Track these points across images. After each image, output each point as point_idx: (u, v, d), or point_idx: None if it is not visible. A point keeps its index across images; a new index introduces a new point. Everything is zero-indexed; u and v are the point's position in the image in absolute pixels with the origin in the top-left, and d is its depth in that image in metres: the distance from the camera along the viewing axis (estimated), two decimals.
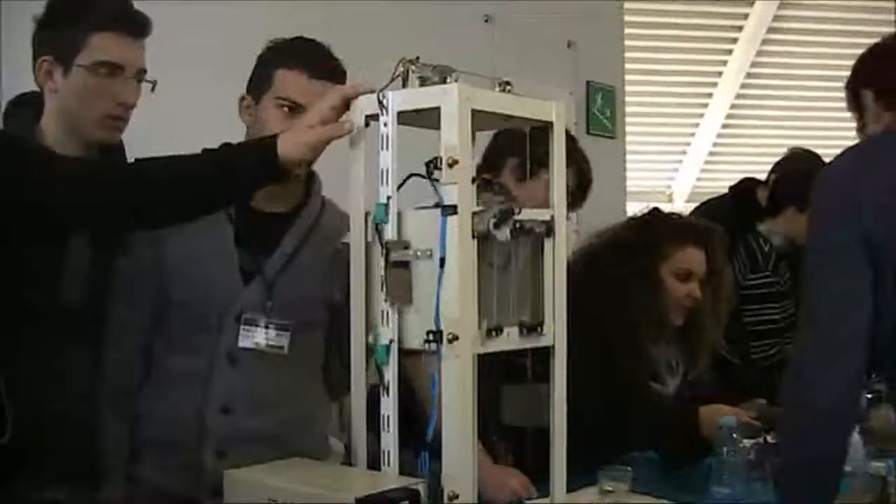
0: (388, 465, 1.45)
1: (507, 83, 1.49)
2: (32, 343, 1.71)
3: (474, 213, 1.40)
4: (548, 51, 4.22)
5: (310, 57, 1.90)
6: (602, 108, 4.60)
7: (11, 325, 1.69)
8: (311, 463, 1.59)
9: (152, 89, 1.86)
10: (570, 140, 2.29)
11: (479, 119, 1.42)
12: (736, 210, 3.62)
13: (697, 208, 4.10)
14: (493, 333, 1.43)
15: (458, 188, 1.37)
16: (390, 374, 1.45)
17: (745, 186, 3.77)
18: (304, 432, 1.92)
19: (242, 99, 1.95)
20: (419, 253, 1.42)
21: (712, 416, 2.28)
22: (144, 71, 1.84)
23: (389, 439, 1.45)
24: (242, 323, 1.85)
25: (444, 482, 1.38)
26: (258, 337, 1.86)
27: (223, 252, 1.86)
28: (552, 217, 1.53)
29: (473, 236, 1.40)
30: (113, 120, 1.81)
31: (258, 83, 1.92)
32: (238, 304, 1.86)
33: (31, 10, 1.84)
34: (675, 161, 7.61)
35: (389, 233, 1.44)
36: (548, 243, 1.53)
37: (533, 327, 1.50)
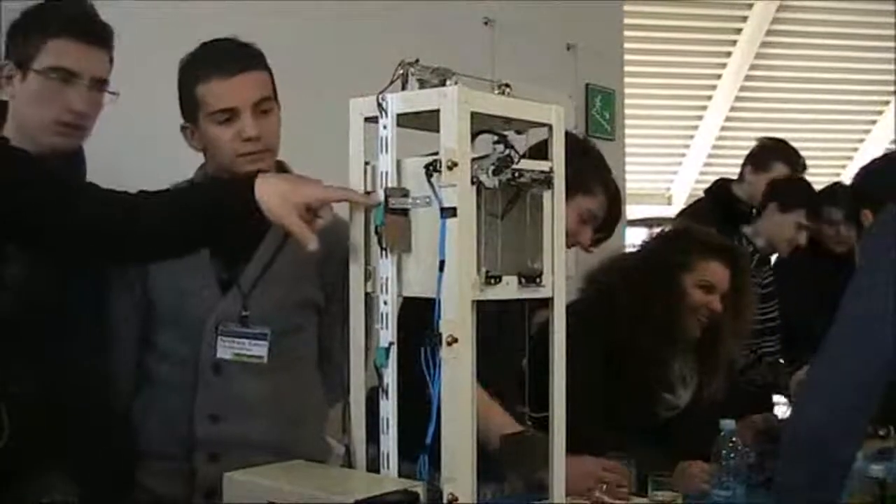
0: (388, 467, 1.45)
1: (507, 86, 1.48)
2: (32, 347, 1.70)
3: (473, 160, 1.39)
4: (547, 53, 4.22)
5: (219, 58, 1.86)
6: (601, 111, 4.60)
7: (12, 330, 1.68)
8: (310, 465, 1.58)
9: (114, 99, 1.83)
10: (607, 170, 2.31)
11: (478, 122, 1.42)
12: (714, 209, 3.63)
13: (682, 212, 4.11)
14: (492, 281, 1.42)
15: (458, 190, 1.37)
16: (389, 377, 1.44)
17: (721, 186, 3.80)
18: (296, 436, 1.91)
19: (184, 128, 1.91)
20: (418, 200, 1.42)
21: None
22: (103, 80, 1.81)
23: (389, 442, 1.44)
24: (219, 334, 1.85)
25: (443, 485, 1.38)
26: (235, 347, 1.86)
27: (200, 262, 1.86)
28: (551, 168, 1.51)
29: (472, 183, 1.38)
30: (63, 126, 1.78)
31: (187, 106, 1.88)
32: (216, 315, 1.86)
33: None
34: (674, 163, 7.62)
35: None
36: (546, 195, 1.51)
37: (532, 278, 1.49)
